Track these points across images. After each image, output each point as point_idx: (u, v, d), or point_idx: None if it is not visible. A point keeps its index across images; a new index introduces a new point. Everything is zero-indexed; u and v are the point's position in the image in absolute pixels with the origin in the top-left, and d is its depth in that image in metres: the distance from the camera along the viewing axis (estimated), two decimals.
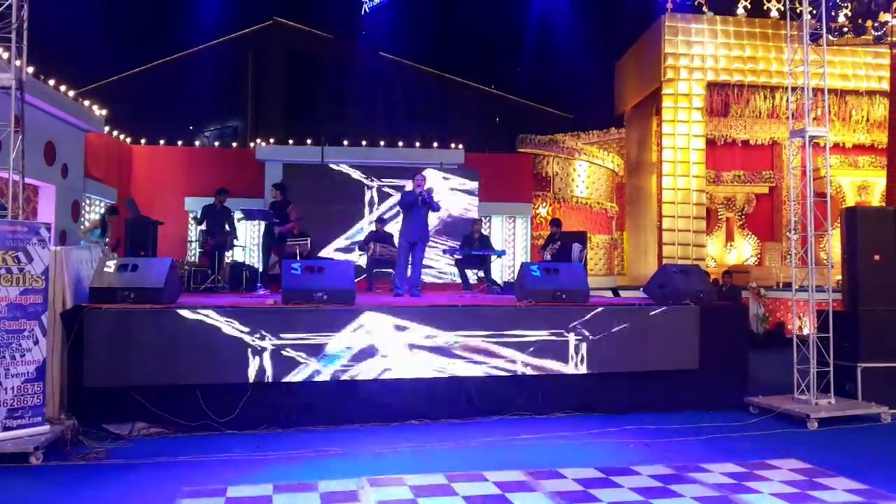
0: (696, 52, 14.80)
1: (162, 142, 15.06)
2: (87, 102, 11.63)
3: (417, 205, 8.53)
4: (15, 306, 5.21)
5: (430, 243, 12.93)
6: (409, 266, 8.61)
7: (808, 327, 7.01)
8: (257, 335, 6.04)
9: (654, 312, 6.98)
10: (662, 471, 4.93)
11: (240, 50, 28.92)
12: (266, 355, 6.05)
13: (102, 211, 9.94)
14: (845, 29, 11.81)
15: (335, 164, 14.04)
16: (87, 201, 12.54)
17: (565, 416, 6.67)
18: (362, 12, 27.92)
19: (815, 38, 7.92)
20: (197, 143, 15.84)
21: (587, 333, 6.74)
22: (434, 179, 13.93)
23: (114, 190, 13.35)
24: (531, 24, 21.83)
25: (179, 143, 15.25)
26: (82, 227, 9.70)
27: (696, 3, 14.93)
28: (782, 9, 15.16)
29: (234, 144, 17.36)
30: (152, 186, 14.35)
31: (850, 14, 12.22)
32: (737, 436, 6.06)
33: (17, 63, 5.62)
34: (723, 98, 15.41)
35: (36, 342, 5.32)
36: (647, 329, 6.91)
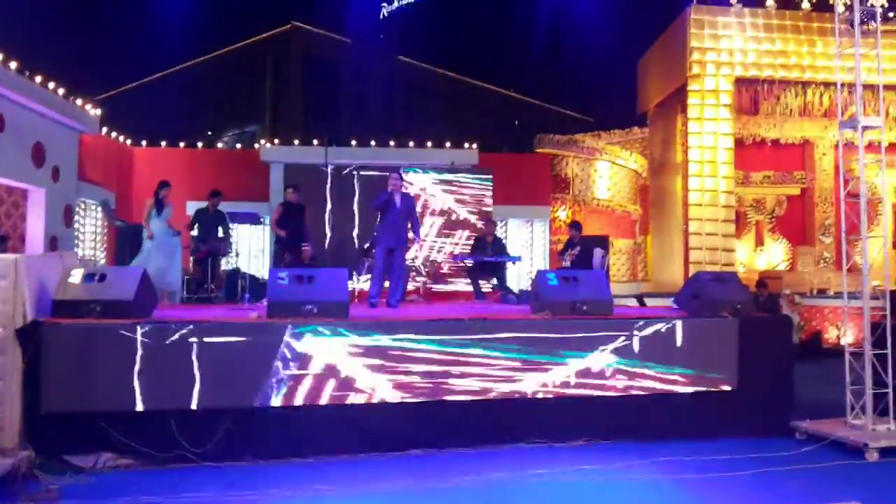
0: (724, 46, 14.03)
1: (163, 143, 14.48)
2: (79, 101, 11.05)
3: (393, 205, 7.87)
4: None
5: (439, 246, 12.23)
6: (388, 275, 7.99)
7: (865, 342, 6.17)
8: (237, 353, 5.36)
9: (686, 326, 6.20)
10: None
11: (258, 55, 28.52)
12: (245, 377, 5.36)
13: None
14: (891, 14, 10.95)
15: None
16: (82, 205, 11.98)
17: (586, 445, 5.89)
18: (380, 16, 27.49)
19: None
20: (199, 144, 15.18)
21: (610, 350, 5.98)
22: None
23: (112, 194, 12.78)
24: (549, 24, 21.21)
25: (181, 144, 14.65)
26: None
27: None
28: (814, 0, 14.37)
29: (239, 146, 16.78)
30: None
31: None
32: (785, 470, 5.25)
33: None
34: (752, 94, 14.65)
35: None
36: (679, 345, 6.13)
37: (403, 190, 8.16)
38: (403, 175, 8.17)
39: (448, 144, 14.38)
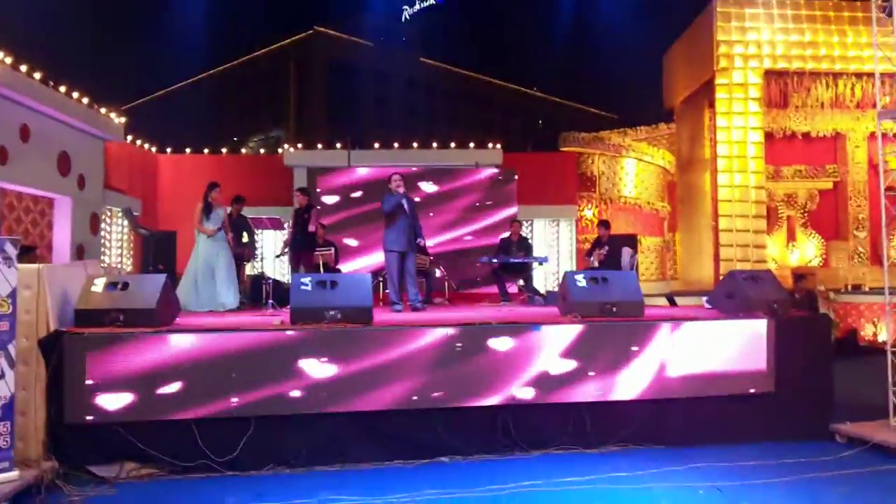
0: (752, 39, 13.75)
1: (188, 150, 14.53)
2: (103, 110, 11.09)
3: (403, 209, 7.70)
4: None
5: (461, 246, 12.09)
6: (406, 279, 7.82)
7: None
8: (262, 362, 5.28)
9: (720, 327, 6.01)
10: None
11: (282, 61, 28.70)
12: (269, 385, 5.28)
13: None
14: None
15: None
16: (109, 213, 12.03)
17: (619, 451, 5.72)
18: (402, 20, 27.50)
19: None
20: (223, 150, 15.21)
21: (643, 353, 5.81)
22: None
23: (137, 201, 12.83)
24: (572, 21, 21.03)
25: (206, 150, 14.70)
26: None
27: None
28: None
29: (263, 151, 16.82)
30: (179, 196, 13.79)
31: None
32: (826, 476, 5.04)
33: None
34: (781, 87, 14.34)
35: (1, 375, 4.62)
36: (714, 346, 5.94)
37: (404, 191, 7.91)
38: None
39: (472, 145, 14.25)
